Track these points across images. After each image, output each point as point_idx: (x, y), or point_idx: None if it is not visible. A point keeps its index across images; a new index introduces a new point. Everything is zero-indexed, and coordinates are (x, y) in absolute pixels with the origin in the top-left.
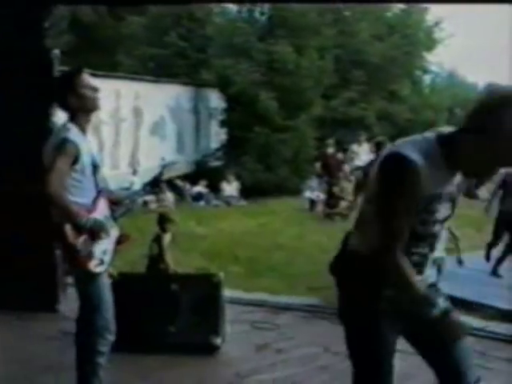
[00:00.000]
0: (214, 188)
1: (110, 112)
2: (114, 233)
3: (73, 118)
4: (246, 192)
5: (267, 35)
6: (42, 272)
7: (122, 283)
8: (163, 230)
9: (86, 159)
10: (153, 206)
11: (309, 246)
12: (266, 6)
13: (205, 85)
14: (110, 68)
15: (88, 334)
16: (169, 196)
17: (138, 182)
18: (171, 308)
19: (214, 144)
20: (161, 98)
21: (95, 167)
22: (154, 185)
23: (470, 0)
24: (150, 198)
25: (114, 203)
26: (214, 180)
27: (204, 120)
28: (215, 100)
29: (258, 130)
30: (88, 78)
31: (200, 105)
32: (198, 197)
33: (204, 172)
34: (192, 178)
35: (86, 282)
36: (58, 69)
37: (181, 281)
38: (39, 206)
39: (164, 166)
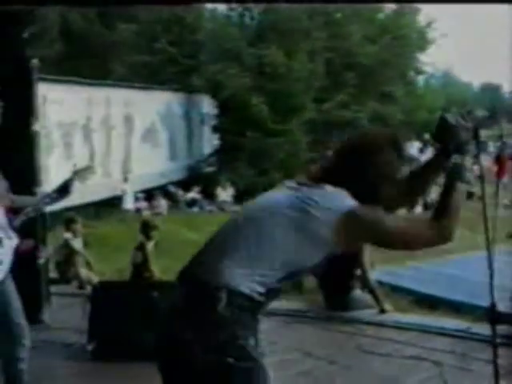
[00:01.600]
0: (208, 194)
1: (101, 120)
2: (10, 242)
3: None
4: (240, 197)
5: (257, 40)
6: (25, 282)
7: (103, 292)
8: (147, 237)
9: None
10: (146, 213)
11: None
12: (256, 11)
13: (196, 91)
14: (101, 75)
15: (5, 343)
16: (162, 203)
17: (129, 190)
18: (150, 316)
19: (207, 150)
20: (152, 105)
21: None
22: (63, 191)
23: (469, 0)
24: (142, 204)
25: (13, 212)
26: (207, 186)
27: (196, 126)
28: (207, 106)
29: (251, 135)
30: None
31: (192, 111)
32: (191, 203)
33: (197, 178)
34: (185, 184)
35: None
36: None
37: (161, 288)
38: None
39: (76, 172)
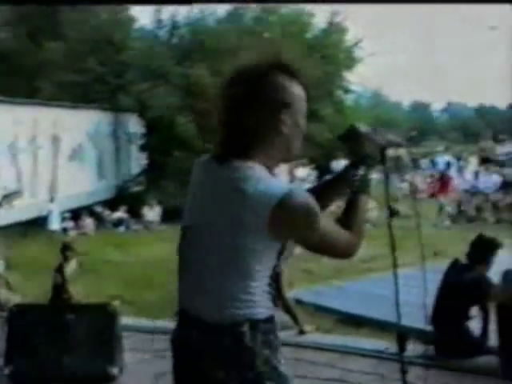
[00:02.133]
0: (135, 213)
1: (28, 140)
2: None
3: None
4: (168, 216)
5: (185, 59)
6: None
7: (19, 315)
8: (65, 258)
9: None
10: (72, 232)
11: None
12: (184, 30)
13: (124, 110)
14: (29, 94)
15: None
16: (88, 222)
17: (55, 210)
18: (67, 339)
19: (135, 169)
20: (79, 125)
21: None
22: None
23: (469, 0)
24: (69, 224)
25: None
26: (134, 205)
27: (124, 145)
28: (135, 125)
29: (178, 154)
30: None
31: (119, 130)
32: (118, 222)
33: (125, 197)
34: (113, 203)
35: None
36: None
37: (76, 311)
38: None
39: (4, 197)
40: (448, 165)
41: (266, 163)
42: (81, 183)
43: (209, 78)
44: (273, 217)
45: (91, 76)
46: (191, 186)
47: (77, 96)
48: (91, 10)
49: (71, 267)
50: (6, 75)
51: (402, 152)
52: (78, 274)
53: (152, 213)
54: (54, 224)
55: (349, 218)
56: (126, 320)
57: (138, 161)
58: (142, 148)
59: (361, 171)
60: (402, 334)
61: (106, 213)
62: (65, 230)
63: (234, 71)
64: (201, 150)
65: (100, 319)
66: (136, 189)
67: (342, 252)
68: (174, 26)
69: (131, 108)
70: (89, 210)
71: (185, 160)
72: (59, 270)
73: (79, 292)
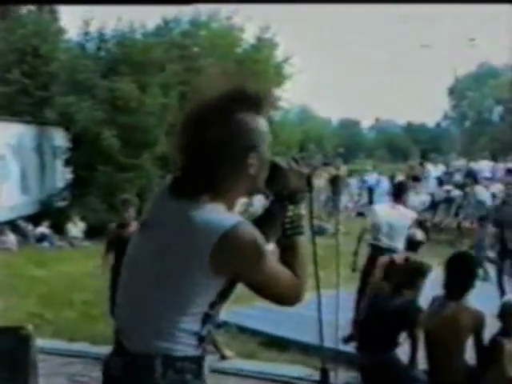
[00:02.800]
0: (59, 228)
1: None
2: None
3: None
4: (91, 232)
5: (111, 72)
6: None
7: None
8: None
9: None
10: None
11: None
12: (112, 43)
13: (48, 123)
14: None
15: None
16: (11, 238)
17: None
18: None
19: (60, 183)
20: (3, 137)
21: None
22: None
23: (469, 0)
24: None
25: None
26: (58, 220)
27: (49, 159)
28: (60, 139)
29: (102, 169)
30: None
31: (44, 144)
32: (41, 238)
33: (49, 212)
34: (36, 218)
35: None
36: None
37: None
38: None
39: None
40: (377, 183)
41: (229, 200)
42: (3, 197)
43: (135, 92)
44: (217, 247)
45: (16, 88)
46: (143, 219)
47: (1, 108)
48: (19, 19)
49: None
50: None
51: (342, 170)
52: None
53: (76, 228)
54: None
55: (290, 262)
56: (42, 342)
57: (62, 175)
58: (67, 162)
59: (290, 212)
60: (324, 368)
61: (30, 228)
62: None
63: (197, 106)
64: (125, 165)
65: (12, 343)
66: (60, 204)
67: (290, 296)
68: (102, 39)
69: (56, 121)
70: (12, 224)
71: (109, 175)
72: None
73: None
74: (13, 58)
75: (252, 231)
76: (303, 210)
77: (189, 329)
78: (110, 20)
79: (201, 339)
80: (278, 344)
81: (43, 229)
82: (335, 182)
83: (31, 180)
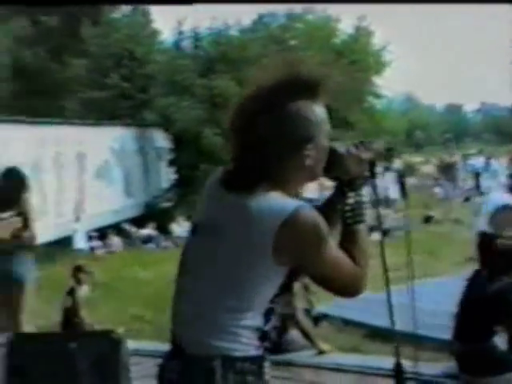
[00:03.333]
0: (164, 230)
1: (52, 159)
2: None
3: None
4: None
5: (208, 71)
6: None
7: (19, 344)
8: (78, 281)
9: None
10: (99, 251)
11: None
12: (207, 41)
13: (149, 125)
14: (54, 113)
15: None
16: (115, 241)
17: (80, 229)
18: (69, 369)
19: (165, 184)
20: (105, 142)
21: None
22: None
23: (469, 0)
24: (96, 243)
25: None
26: (163, 221)
27: (152, 161)
28: (161, 140)
29: (205, 168)
30: None
31: (146, 145)
32: (147, 239)
33: (153, 214)
34: (141, 220)
35: None
36: None
37: (78, 339)
38: None
39: None
40: (486, 166)
41: (286, 191)
42: (107, 201)
43: (234, 89)
44: (280, 233)
45: (115, 92)
46: (196, 218)
47: (101, 113)
48: (112, 24)
49: (84, 291)
50: (29, 95)
51: (456, 158)
52: (103, 293)
53: (180, 228)
54: (79, 243)
55: (351, 252)
56: (140, 344)
57: (167, 176)
58: (171, 163)
59: (351, 199)
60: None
61: (133, 230)
62: (92, 249)
63: (250, 96)
64: (228, 162)
65: (103, 347)
66: (165, 205)
67: (350, 286)
68: (197, 38)
69: (156, 123)
70: (116, 228)
71: (212, 173)
72: (70, 293)
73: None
74: (109, 62)
75: (314, 214)
76: (365, 197)
77: (252, 325)
78: (204, 18)
79: (263, 335)
80: (382, 336)
81: (149, 230)
82: (449, 170)
83: (135, 182)
